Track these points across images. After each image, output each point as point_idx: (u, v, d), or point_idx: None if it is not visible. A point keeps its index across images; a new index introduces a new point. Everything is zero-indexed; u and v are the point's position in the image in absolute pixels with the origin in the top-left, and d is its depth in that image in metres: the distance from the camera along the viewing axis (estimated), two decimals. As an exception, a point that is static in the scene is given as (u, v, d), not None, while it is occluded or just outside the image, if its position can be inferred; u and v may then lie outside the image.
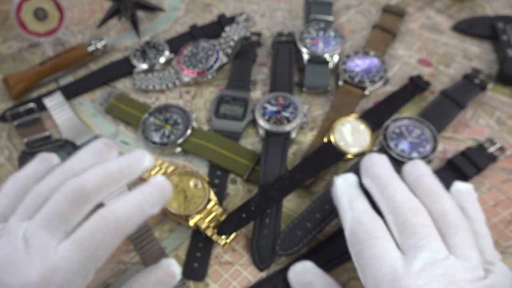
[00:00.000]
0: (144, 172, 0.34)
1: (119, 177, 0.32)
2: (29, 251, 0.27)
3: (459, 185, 0.36)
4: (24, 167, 0.33)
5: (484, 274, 0.29)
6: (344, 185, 0.36)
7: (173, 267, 0.36)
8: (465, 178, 0.45)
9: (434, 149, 0.47)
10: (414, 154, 0.46)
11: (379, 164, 0.35)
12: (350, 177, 0.36)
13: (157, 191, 0.33)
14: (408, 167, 0.36)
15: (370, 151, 0.47)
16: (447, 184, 0.45)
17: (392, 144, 0.47)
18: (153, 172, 0.45)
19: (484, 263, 0.30)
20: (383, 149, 0.47)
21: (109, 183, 0.32)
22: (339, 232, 0.42)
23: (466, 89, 0.52)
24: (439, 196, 0.32)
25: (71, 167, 0.32)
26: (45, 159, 0.34)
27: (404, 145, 0.47)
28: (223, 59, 0.55)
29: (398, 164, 0.46)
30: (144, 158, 0.34)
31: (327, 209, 0.43)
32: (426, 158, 0.46)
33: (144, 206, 0.31)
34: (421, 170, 0.35)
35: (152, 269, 0.35)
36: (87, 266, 0.29)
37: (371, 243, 0.30)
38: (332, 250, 0.42)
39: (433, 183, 0.34)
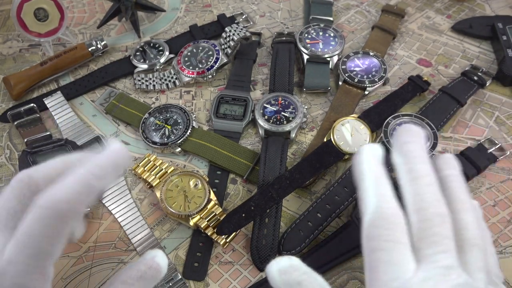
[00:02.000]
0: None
1: (74, 164, 0.29)
2: None
3: None
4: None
5: None
6: (371, 158, 0.31)
7: (157, 259, 0.32)
8: (464, 178, 0.45)
9: (434, 146, 0.47)
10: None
11: (417, 142, 0.31)
12: (378, 149, 0.32)
13: (107, 160, 0.29)
14: (440, 161, 0.32)
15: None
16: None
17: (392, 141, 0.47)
18: (153, 172, 0.46)
19: (489, 284, 0.29)
20: (384, 146, 0.47)
21: (62, 171, 0.29)
22: (339, 232, 0.43)
23: (465, 86, 0.52)
24: (464, 207, 0.30)
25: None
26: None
27: None
28: (223, 59, 0.55)
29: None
30: (119, 152, 0.30)
31: (329, 209, 0.44)
32: None
33: (91, 182, 0.27)
34: (451, 169, 0.32)
35: (134, 263, 0.32)
36: (36, 264, 0.26)
37: (390, 247, 0.28)
38: (331, 250, 0.42)
39: (461, 189, 0.31)
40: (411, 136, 0.31)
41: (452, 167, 0.32)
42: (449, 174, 0.32)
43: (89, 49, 0.57)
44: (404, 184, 0.30)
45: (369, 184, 0.30)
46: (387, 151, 0.46)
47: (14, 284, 0.25)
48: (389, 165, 0.34)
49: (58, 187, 0.27)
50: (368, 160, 0.31)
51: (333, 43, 0.56)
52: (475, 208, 0.31)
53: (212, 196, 0.44)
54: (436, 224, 0.28)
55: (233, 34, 0.54)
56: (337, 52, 0.55)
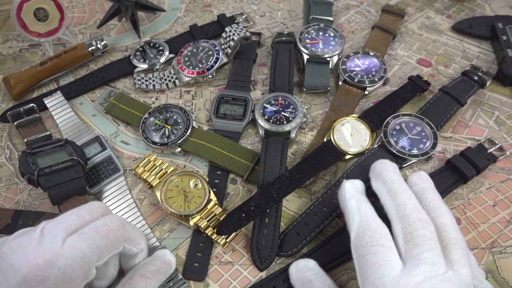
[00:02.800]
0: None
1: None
2: (42, 239, 0.30)
3: None
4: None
5: None
6: (352, 189, 0.37)
7: (168, 256, 0.38)
8: (464, 178, 0.45)
9: (434, 145, 0.47)
10: (414, 151, 0.47)
11: (391, 170, 0.36)
12: (359, 183, 0.38)
13: (159, 272, 0.37)
14: (414, 178, 0.37)
15: (371, 148, 0.47)
16: (447, 185, 0.45)
17: (392, 140, 0.47)
18: (153, 172, 0.46)
19: (474, 279, 0.32)
20: (384, 146, 0.47)
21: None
22: (339, 233, 0.43)
23: (465, 86, 0.52)
24: (442, 212, 0.34)
25: None
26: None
27: (404, 142, 0.47)
28: (223, 59, 0.55)
29: (398, 160, 0.47)
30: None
31: (326, 211, 0.44)
32: (426, 155, 0.46)
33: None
34: (426, 183, 0.36)
35: (149, 260, 0.37)
36: (89, 256, 0.30)
37: (376, 250, 0.31)
38: (332, 251, 0.42)
39: (437, 198, 0.35)
40: (385, 166, 0.37)
41: (427, 181, 0.36)
42: (425, 187, 0.36)
43: (89, 49, 0.57)
44: (386, 202, 0.35)
45: (352, 207, 0.35)
46: (386, 150, 0.47)
47: (67, 265, 0.30)
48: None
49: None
50: (349, 191, 0.36)
51: (333, 43, 0.56)
52: (452, 215, 0.34)
53: (212, 196, 0.44)
54: (419, 227, 0.31)
55: (233, 34, 0.54)
56: (337, 52, 0.55)
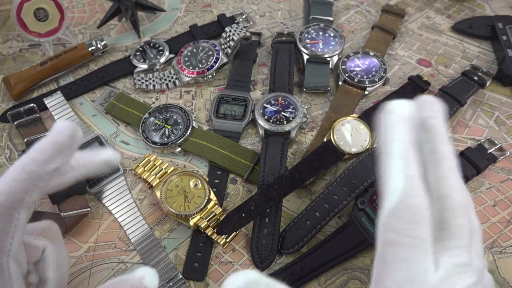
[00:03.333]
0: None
1: None
2: None
3: None
4: None
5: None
6: (404, 124, 0.26)
7: (146, 280, 0.29)
8: (464, 178, 0.45)
9: None
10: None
11: (440, 118, 0.27)
12: (412, 110, 0.27)
13: (46, 142, 0.28)
14: (424, 106, 0.28)
15: (371, 148, 0.47)
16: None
17: None
18: (153, 172, 0.46)
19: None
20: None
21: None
22: (339, 232, 0.43)
23: (465, 86, 0.52)
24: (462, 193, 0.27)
25: None
26: None
27: None
28: (223, 59, 0.55)
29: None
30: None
31: (327, 208, 0.44)
32: None
33: (31, 168, 0.27)
34: (436, 114, 0.27)
35: (122, 278, 0.30)
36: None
37: (413, 243, 0.25)
38: (331, 250, 0.42)
39: (445, 144, 0.27)
40: (435, 111, 0.27)
41: (437, 114, 0.28)
42: (432, 117, 0.27)
43: (89, 49, 0.57)
44: (428, 165, 0.27)
45: (398, 162, 0.25)
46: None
47: None
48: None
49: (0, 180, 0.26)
50: (400, 127, 0.26)
51: (333, 43, 0.56)
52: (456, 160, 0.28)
53: (212, 196, 0.44)
54: (459, 215, 0.26)
55: (233, 34, 0.54)
56: (337, 52, 0.55)
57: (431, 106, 0.27)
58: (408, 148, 0.25)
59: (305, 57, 0.55)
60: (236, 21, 0.60)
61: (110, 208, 0.46)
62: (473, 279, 0.25)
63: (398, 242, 0.25)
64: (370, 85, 0.53)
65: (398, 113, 0.26)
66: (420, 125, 0.27)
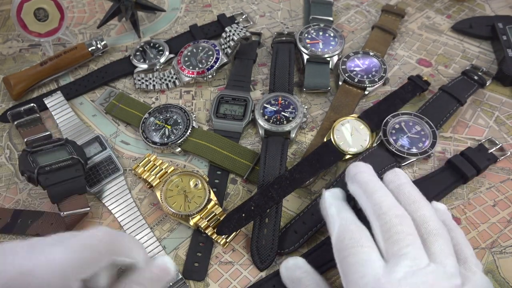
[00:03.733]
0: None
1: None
2: (30, 250, 0.29)
3: (436, 204, 0.38)
4: None
5: (461, 281, 0.30)
6: (332, 197, 0.37)
7: (168, 264, 0.35)
8: (465, 178, 0.45)
9: (433, 144, 0.47)
10: (414, 150, 0.47)
11: (365, 171, 0.36)
12: (338, 191, 0.38)
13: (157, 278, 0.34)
14: (389, 176, 0.36)
15: (371, 147, 0.47)
16: (447, 184, 0.45)
17: (391, 139, 0.47)
18: (153, 172, 0.46)
19: (465, 271, 0.32)
20: (383, 144, 0.47)
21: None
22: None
23: (465, 86, 0.52)
24: (420, 205, 0.34)
25: None
26: None
27: (403, 141, 0.47)
28: (223, 59, 0.55)
29: (397, 158, 0.47)
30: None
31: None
32: (425, 154, 0.46)
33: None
34: (402, 179, 0.36)
35: (146, 266, 0.34)
36: (68, 270, 0.29)
37: (356, 251, 0.31)
38: (331, 250, 0.42)
39: (415, 192, 0.35)
40: (359, 168, 0.36)
41: (403, 177, 0.36)
42: (401, 183, 0.35)
43: (89, 49, 0.57)
44: (363, 203, 0.34)
45: (332, 213, 0.35)
46: (386, 149, 0.47)
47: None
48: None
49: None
50: (329, 199, 0.36)
51: (333, 43, 0.56)
52: (431, 207, 0.34)
53: (212, 196, 0.44)
54: (396, 223, 0.31)
55: (233, 34, 0.54)
56: (337, 52, 0.55)
57: (356, 167, 0.37)
58: (339, 206, 0.36)
59: (305, 57, 0.55)
60: (236, 21, 0.60)
61: (110, 208, 0.46)
62: (430, 268, 0.29)
63: (346, 254, 0.32)
64: (370, 85, 0.53)
65: (328, 195, 0.37)
66: (351, 181, 0.36)
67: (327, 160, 0.46)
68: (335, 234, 0.34)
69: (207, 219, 0.43)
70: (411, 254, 0.30)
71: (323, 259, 0.41)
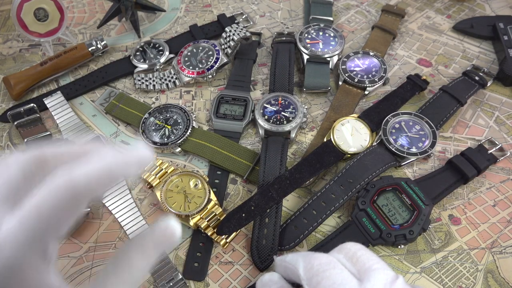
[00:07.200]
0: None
1: (79, 152, 0.28)
2: None
3: None
4: None
5: None
6: (283, 256, 0.36)
7: (172, 225, 0.31)
8: (465, 178, 0.45)
9: (433, 144, 0.47)
10: (413, 149, 0.47)
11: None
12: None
13: (132, 158, 0.28)
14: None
15: (371, 146, 0.47)
16: (447, 184, 0.45)
17: (391, 138, 0.47)
18: (153, 172, 0.46)
19: None
20: (383, 144, 0.47)
21: (71, 154, 0.28)
22: (339, 232, 0.43)
23: (466, 86, 0.52)
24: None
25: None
26: None
27: (403, 140, 0.47)
28: (223, 59, 0.55)
29: (397, 158, 0.47)
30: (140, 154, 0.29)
31: (324, 206, 0.44)
32: (425, 153, 0.46)
33: (113, 173, 0.27)
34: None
35: (149, 229, 0.30)
36: (37, 238, 0.24)
37: (329, 273, 0.31)
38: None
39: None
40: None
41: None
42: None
43: (89, 49, 0.57)
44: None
45: (292, 257, 0.34)
46: (385, 148, 0.47)
47: (8, 261, 0.23)
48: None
49: (81, 168, 0.26)
50: (280, 258, 0.35)
51: (333, 43, 0.56)
52: None
53: (212, 196, 0.44)
54: (358, 249, 0.32)
55: (233, 34, 0.54)
56: (337, 52, 0.55)
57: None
58: (295, 254, 0.34)
59: (305, 57, 0.55)
60: (236, 21, 0.60)
61: (110, 208, 0.46)
62: (390, 280, 0.30)
63: (320, 279, 0.31)
64: (370, 85, 0.53)
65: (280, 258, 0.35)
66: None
67: (327, 160, 0.46)
68: (302, 270, 0.32)
69: (207, 219, 0.43)
70: (383, 269, 0.30)
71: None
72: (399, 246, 0.42)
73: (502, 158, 0.47)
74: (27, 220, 0.24)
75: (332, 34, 0.57)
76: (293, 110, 0.50)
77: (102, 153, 0.27)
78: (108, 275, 0.28)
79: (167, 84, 0.55)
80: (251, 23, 0.62)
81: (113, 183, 0.27)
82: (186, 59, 0.56)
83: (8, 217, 0.24)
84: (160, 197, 0.44)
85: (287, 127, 0.49)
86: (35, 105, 0.52)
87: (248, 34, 0.54)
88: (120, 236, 0.44)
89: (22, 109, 0.52)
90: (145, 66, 0.57)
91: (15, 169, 0.26)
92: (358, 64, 0.55)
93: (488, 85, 0.53)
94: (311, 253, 0.33)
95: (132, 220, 0.45)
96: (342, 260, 0.32)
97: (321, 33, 0.57)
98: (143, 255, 0.29)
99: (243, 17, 0.63)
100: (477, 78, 0.52)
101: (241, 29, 0.54)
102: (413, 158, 0.46)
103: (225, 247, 0.43)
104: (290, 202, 0.46)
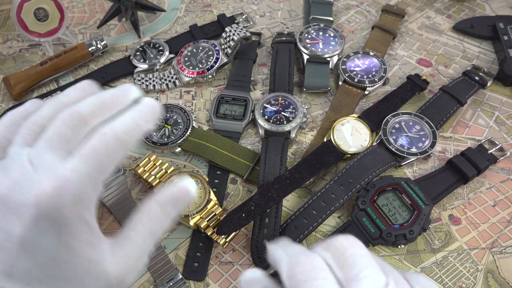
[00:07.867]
0: (133, 100, 0.35)
1: (110, 104, 0.33)
2: (37, 169, 0.28)
3: None
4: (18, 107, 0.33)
5: None
6: (275, 245, 0.34)
7: (187, 183, 0.34)
8: (465, 178, 0.45)
9: (432, 144, 0.47)
10: (413, 149, 0.47)
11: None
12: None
13: (148, 109, 0.34)
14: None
15: (371, 146, 0.47)
16: (447, 184, 0.45)
17: (391, 138, 0.47)
18: (153, 172, 0.46)
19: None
20: (382, 144, 0.47)
21: (102, 108, 0.33)
22: (339, 232, 0.43)
23: (466, 86, 0.52)
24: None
25: (60, 100, 0.33)
26: (37, 102, 0.34)
27: (403, 140, 0.48)
28: (223, 59, 0.55)
29: (397, 158, 0.47)
30: (131, 89, 0.35)
31: (324, 206, 0.44)
32: (425, 153, 0.46)
33: (138, 122, 0.33)
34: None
35: (166, 186, 0.34)
36: (95, 176, 0.30)
37: (310, 284, 0.28)
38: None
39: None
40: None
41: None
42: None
43: (89, 49, 0.57)
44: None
45: (279, 251, 0.31)
46: (385, 148, 0.47)
47: (77, 188, 0.28)
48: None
49: (117, 123, 0.32)
50: (273, 246, 0.32)
51: (333, 43, 0.56)
52: None
53: (212, 196, 0.44)
54: (347, 247, 0.29)
55: (233, 34, 0.54)
56: (337, 52, 0.55)
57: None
58: (284, 244, 0.32)
59: (305, 57, 0.55)
60: (236, 21, 0.60)
61: (110, 208, 0.46)
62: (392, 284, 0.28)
63: (302, 281, 0.28)
64: (370, 85, 0.53)
65: (274, 246, 0.32)
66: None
67: (327, 160, 0.46)
68: (285, 273, 0.30)
69: (207, 219, 0.43)
70: (371, 277, 0.28)
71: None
72: (399, 246, 0.42)
73: (502, 158, 0.47)
74: (86, 162, 0.29)
75: (332, 34, 0.57)
76: (293, 110, 0.50)
77: (126, 112, 0.33)
78: (134, 224, 0.32)
79: (167, 84, 0.55)
80: (251, 23, 0.62)
81: (138, 136, 0.32)
82: (186, 59, 0.56)
83: (70, 159, 0.29)
84: (160, 197, 0.44)
85: (287, 127, 0.49)
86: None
87: (248, 34, 0.54)
88: (120, 236, 0.44)
89: (22, 109, 0.52)
90: (145, 66, 0.57)
91: (62, 125, 0.30)
92: (358, 64, 0.55)
93: (488, 85, 0.53)
94: (297, 254, 0.30)
95: (132, 220, 0.45)
96: (329, 261, 0.29)
97: (321, 33, 0.57)
98: (163, 210, 0.33)
99: (243, 17, 0.63)
100: (477, 78, 0.52)
101: (241, 29, 0.54)
102: (413, 158, 0.46)
103: (225, 247, 0.43)
104: (290, 202, 0.46)
